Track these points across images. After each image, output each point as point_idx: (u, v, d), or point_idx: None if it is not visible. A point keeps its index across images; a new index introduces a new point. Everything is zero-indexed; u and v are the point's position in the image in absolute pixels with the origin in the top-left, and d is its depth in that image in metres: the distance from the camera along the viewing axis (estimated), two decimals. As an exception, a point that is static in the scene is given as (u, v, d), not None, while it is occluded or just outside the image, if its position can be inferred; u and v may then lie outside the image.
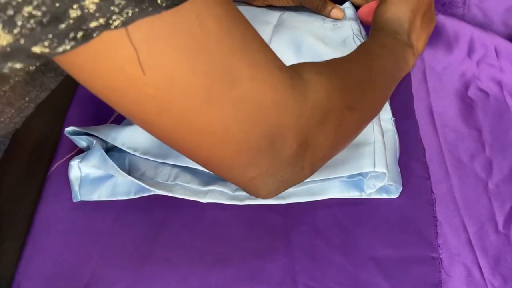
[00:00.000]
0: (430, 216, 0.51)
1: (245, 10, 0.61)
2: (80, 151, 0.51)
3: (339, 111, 0.35)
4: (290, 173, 0.33)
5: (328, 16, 0.60)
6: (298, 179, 0.34)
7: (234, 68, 0.27)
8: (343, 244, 0.49)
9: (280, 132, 0.30)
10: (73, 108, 0.56)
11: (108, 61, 0.26)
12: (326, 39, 0.59)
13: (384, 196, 0.51)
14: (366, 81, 0.41)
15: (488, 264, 0.49)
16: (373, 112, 0.44)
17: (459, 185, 0.53)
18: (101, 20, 0.24)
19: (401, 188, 0.51)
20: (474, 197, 0.53)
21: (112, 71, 0.26)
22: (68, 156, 0.52)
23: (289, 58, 0.57)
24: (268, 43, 0.57)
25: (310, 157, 0.33)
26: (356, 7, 0.62)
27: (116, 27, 0.24)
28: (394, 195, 0.51)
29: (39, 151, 0.53)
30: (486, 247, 0.50)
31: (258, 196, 0.34)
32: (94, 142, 0.48)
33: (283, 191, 0.34)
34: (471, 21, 0.65)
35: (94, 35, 0.24)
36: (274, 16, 0.60)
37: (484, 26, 0.64)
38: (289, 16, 0.61)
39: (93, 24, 0.24)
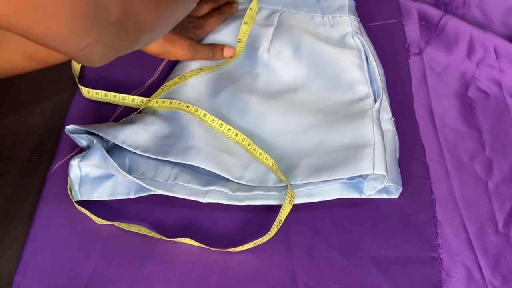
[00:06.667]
0: (430, 216, 0.51)
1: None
2: (80, 152, 0.51)
3: None
4: (118, 38, 0.35)
5: (222, 58, 0.58)
6: (126, 45, 0.37)
7: None
8: (343, 244, 0.49)
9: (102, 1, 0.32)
10: (73, 108, 0.56)
11: None
12: (325, 38, 0.59)
13: (384, 196, 0.51)
14: None
15: (488, 264, 0.49)
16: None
17: (459, 185, 0.53)
18: None
19: (401, 189, 0.51)
20: (474, 197, 0.53)
21: None
22: (69, 156, 0.52)
23: (288, 59, 0.58)
24: (268, 44, 0.58)
25: (134, 24, 0.36)
26: None
27: None
28: (394, 195, 0.51)
29: (39, 151, 0.53)
30: (486, 247, 0.50)
31: (91, 64, 0.37)
32: (95, 141, 0.48)
33: (114, 57, 0.37)
34: (471, 21, 0.65)
35: None
36: (274, 16, 0.60)
37: (484, 26, 0.64)
38: (288, 15, 0.61)
39: None
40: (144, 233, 0.48)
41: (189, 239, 0.48)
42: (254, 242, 0.47)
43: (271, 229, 0.47)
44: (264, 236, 0.47)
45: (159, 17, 0.39)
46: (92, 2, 0.32)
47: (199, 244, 0.48)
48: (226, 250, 0.48)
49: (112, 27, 0.34)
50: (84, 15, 0.32)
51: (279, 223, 0.47)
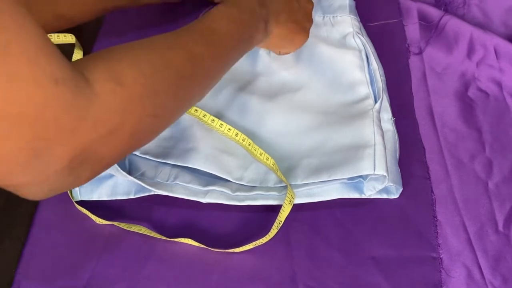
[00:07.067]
0: (430, 216, 0.51)
1: None
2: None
3: (136, 121, 0.32)
4: (60, 183, 0.31)
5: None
6: (72, 186, 0.33)
7: None
8: (343, 244, 0.49)
9: (45, 148, 0.28)
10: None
11: None
12: (325, 38, 0.59)
13: (384, 196, 0.51)
14: (186, 78, 0.37)
15: (488, 264, 0.49)
16: (186, 109, 0.40)
17: (459, 185, 0.53)
18: None
19: (401, 189, 0.51)
20: (474, 197, 0.53)
21: None
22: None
23: (289, 59, 0.58)
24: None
25: (90, 167, 0.31)
26: None
27: None
28: (394, 195, 0.51)
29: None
30: (486, 247, 0.50)
31: (27, 198, 0.32)
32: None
33: (55, 194, 0.32)
34: (471, 21, 0.65)
35: None
36: None
37: (484, 26, 0.64)
38: None
39: None
40: (144, 233, 0.48)
41: (189, 239, 0.48)
42: (254, 243, 0.47)
43: (271, 230, 0.47)
44: (264, 237, 0.47)
45: (126, 151, 0.34)
46: (30, 149, 0.27)
47: (199, 244, 0.48)
48: (226, 251, 0.48)
49: (53, 175, 0.29)
50: (15, 161, 0.27)
51: (279, 223, 0.47)
